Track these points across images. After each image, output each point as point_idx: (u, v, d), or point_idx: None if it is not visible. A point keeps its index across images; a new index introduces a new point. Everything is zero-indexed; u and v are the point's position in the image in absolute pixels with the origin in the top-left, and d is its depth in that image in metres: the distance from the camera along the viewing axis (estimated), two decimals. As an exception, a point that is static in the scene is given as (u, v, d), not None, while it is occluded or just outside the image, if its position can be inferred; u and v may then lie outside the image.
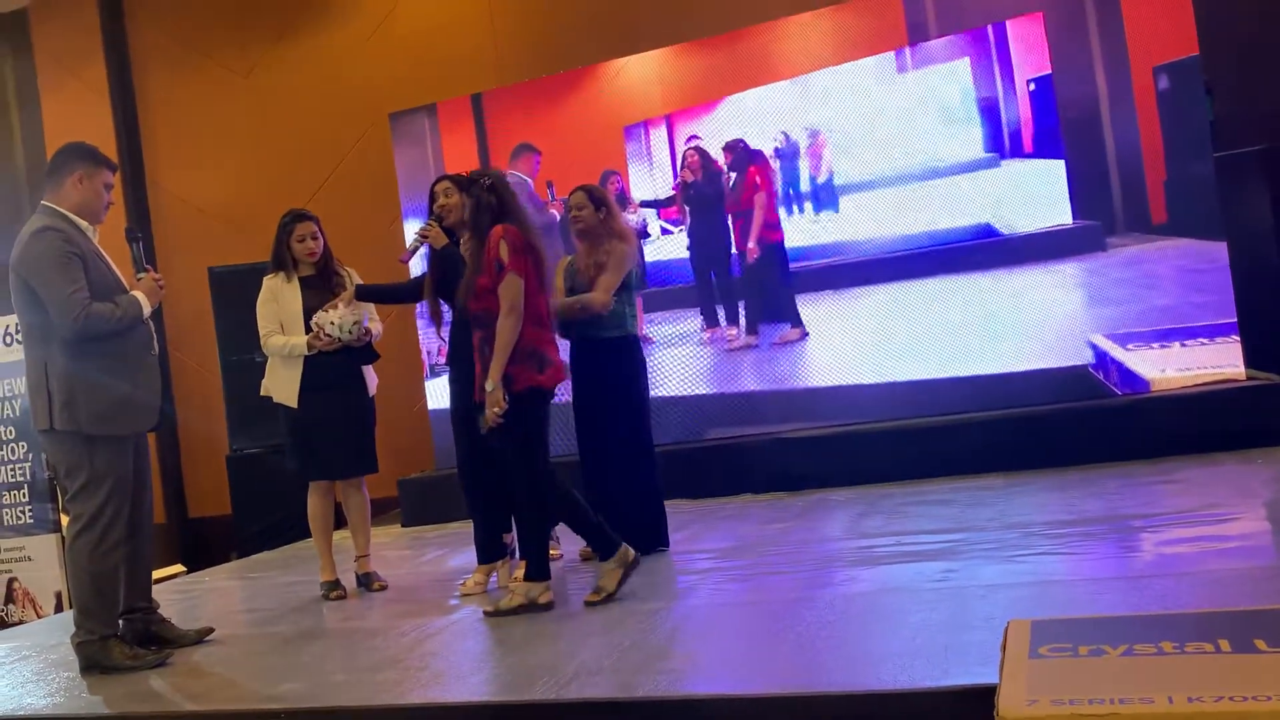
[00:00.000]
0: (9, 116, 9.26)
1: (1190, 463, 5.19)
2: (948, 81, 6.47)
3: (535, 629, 3.71)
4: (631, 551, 3.98)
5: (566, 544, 5.08)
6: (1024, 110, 6.34)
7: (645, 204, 7.18)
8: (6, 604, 7.52)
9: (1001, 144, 6.39)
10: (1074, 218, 6.20)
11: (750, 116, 6.89)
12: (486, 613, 3.88)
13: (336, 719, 3.14)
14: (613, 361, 4.70)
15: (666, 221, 7.17)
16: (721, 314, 6.98)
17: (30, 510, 7.46)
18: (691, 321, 7.03)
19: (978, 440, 5.85)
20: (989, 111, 6.39)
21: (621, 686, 2.93)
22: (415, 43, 8.08)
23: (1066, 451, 5.63)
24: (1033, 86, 6.30)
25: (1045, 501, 4.90)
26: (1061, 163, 6.20)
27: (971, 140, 6.42)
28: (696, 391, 6.94)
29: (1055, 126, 6.21)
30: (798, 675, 2.87)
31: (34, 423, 3.87)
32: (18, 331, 7.63)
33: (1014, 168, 6.35)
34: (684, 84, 7.14)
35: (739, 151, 6.91)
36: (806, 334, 6.76)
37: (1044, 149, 6.28)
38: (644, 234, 7.13)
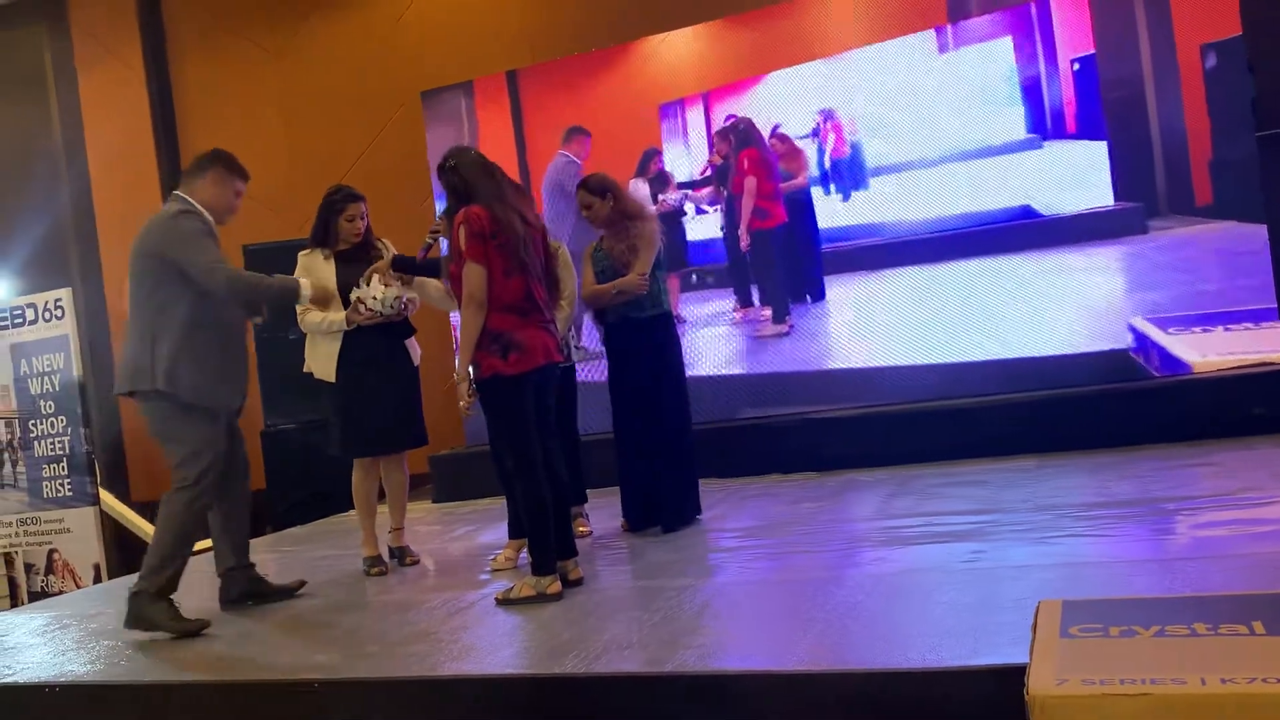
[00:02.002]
0: (46, 93, 9.33)
1: (1227, 446, 5.11)
2: (989, 60, 6.38)
3: (564, 604, 3.72)
4: (559, 586, 3.80)
5: (599, 519, 5.09)
6: (1066, 90, 6.24)
7: (682, 185, 7.16)
8: (47, 575, 7.66)
9: (1043, 124, 6.30)
10: (1115, 199, 6.11)
11: (788, 95, 6.83)
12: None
13: (369, 690, 3.17)
14: (656, 339, 4.77)
15: (702, 202, 7.16)
16: (755, 295, 6.96)
17: (69, 483, 7.58)
18: (725, 301, 7.01)
19: (1010, 422, 5.78)
20: (1031, 91, 6.30)
21: (650, 661, 2.94)
22: (449, 19, 8.07)
23: (1101, 434, 5.54)
24: (1076, 66, 6.20)
25: (1078, 483, 4.84)
26: (1104, 144, 6.10)
27: (1013, 120, 6.33)
28: (728, 371, 6.92)
29: (1098, 107, 6.11)
30: (826, 653, 2.86)
31: (127, 384, 4.08)
32: (57, 307, 7.75)
33: (1056, 149, 6.26)
34: (721, 62, 7.09)
35: (737, 133, 6.87)
36: (791, 329, 6.74)
37: (1086, 130, 6.18)
38: (680, 213, 7.12)
